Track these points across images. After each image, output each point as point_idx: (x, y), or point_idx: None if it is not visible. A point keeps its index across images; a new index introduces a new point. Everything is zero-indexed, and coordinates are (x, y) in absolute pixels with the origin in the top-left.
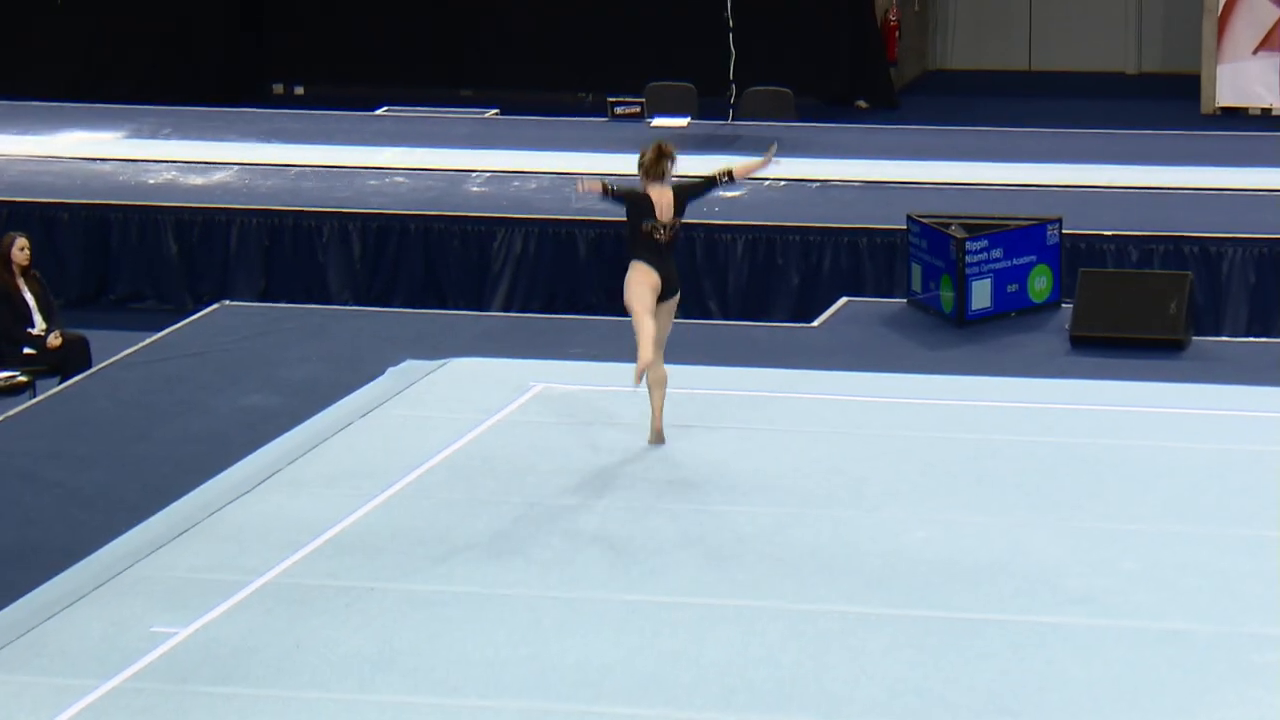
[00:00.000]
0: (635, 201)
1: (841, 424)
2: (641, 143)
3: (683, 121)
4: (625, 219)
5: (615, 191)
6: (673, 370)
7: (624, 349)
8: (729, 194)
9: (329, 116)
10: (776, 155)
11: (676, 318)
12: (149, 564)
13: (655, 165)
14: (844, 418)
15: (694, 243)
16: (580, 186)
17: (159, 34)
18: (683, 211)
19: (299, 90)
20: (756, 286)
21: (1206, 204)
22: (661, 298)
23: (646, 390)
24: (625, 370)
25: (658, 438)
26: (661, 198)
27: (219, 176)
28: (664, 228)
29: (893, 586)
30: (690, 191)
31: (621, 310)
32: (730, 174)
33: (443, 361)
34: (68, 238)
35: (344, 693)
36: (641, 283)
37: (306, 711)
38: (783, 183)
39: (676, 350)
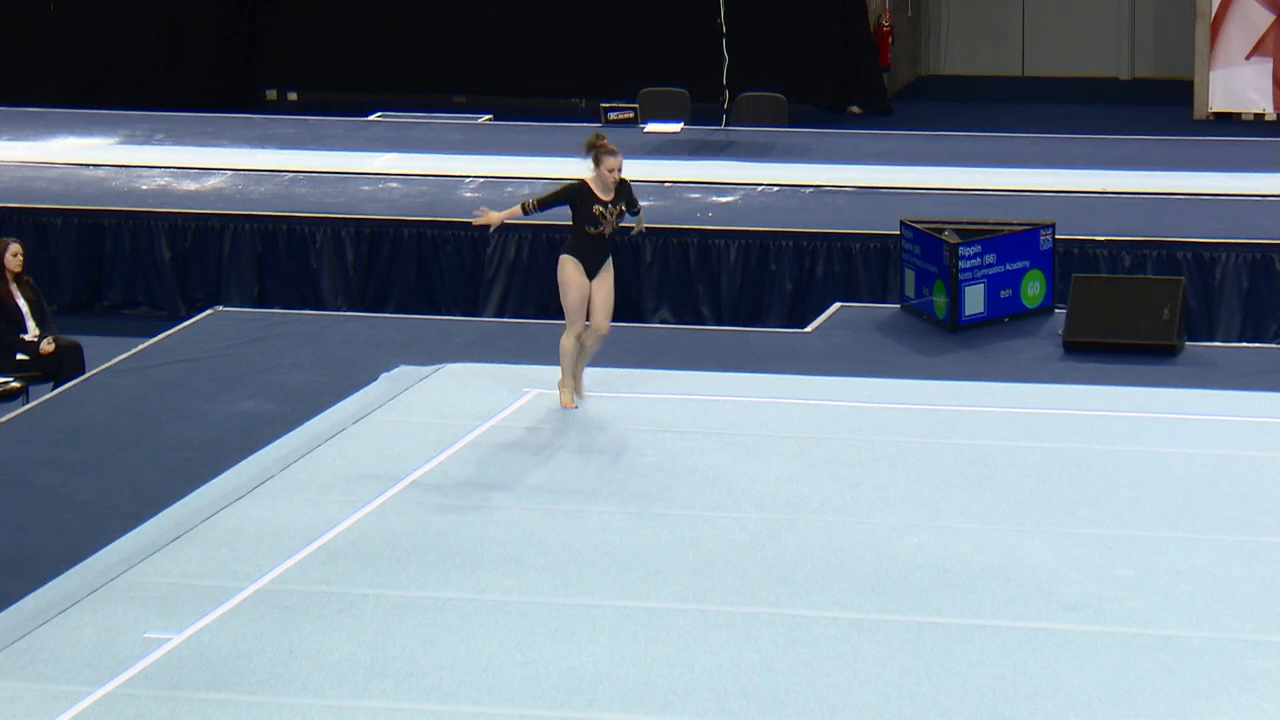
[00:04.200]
0: (577, 195)
1: (834, 430)
2: (633, 148)
3: (676, 127)
4: (571, 215)
5: (541, 202)
6: (666, 375)
7: (618, 355)
8: (722, 199)
9: (322, 122)
10: (772, 160)
11: (671, 322)
12: (142, 570)
13: (605, 148)
14: (837, 423)
15: (688, 248)
16: (484, 219)
17: (152, 40)
18: (624, 198)
19: (292, 96)
20: (750, 292)
21: (1199, 209)
22: (594, 275)
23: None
24: (620, 376)
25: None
26: (602, 186)
27: (212, 182)
28: (609, 212)
29: (886, 592)
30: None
31: (617, 316)
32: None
33: (436, 367)
34: (61, 243)
35: (337, 699)
36: (577, 283)
37: (299, 717)
38: (776, 188)
39: (668, 357)
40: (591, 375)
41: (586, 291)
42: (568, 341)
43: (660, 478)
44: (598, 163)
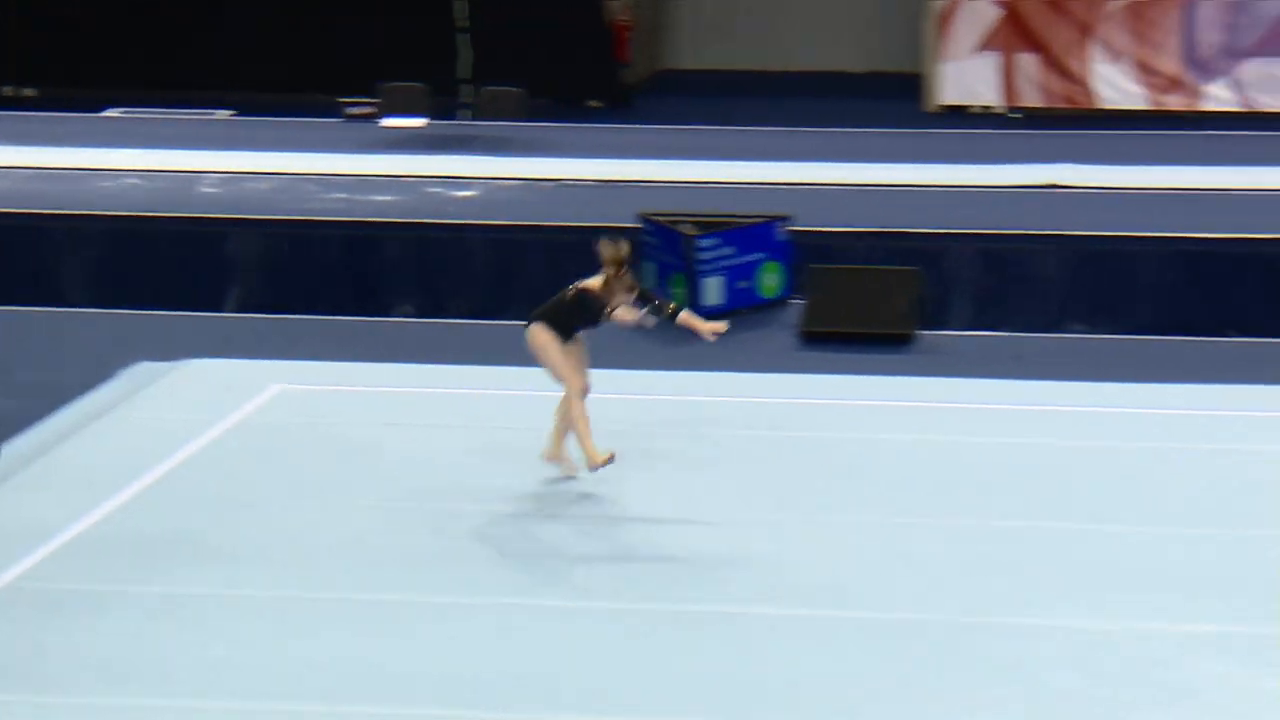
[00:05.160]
0: (596, 304)
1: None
2: (373, 143)
3: (420, 122)
4: (569, 313)
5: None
6: (365, 368)
7: (360, 349)
8: (463, 194)
9: (59, 118)
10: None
11: (415, 317)
12: None
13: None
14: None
15: (430, 243)
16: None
17: None
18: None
19: (29, 92)
20: (500, 285)
21: (932, 200)
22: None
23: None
24: (363, 371)
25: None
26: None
27: None
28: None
29: (605, 579)
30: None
31: (358, 309)
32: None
33: (178, 363)
34: None
35: (87, 697)
36: (554, 344)
37: (46, 717)
38: (517, 182)
39: (422, 350)
40: (337, 371)
41: (568, 351)
42: (578, 403)
43: (388, 468)
44: (610, 285)
